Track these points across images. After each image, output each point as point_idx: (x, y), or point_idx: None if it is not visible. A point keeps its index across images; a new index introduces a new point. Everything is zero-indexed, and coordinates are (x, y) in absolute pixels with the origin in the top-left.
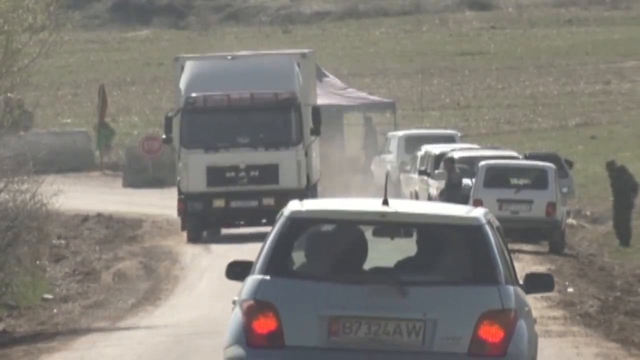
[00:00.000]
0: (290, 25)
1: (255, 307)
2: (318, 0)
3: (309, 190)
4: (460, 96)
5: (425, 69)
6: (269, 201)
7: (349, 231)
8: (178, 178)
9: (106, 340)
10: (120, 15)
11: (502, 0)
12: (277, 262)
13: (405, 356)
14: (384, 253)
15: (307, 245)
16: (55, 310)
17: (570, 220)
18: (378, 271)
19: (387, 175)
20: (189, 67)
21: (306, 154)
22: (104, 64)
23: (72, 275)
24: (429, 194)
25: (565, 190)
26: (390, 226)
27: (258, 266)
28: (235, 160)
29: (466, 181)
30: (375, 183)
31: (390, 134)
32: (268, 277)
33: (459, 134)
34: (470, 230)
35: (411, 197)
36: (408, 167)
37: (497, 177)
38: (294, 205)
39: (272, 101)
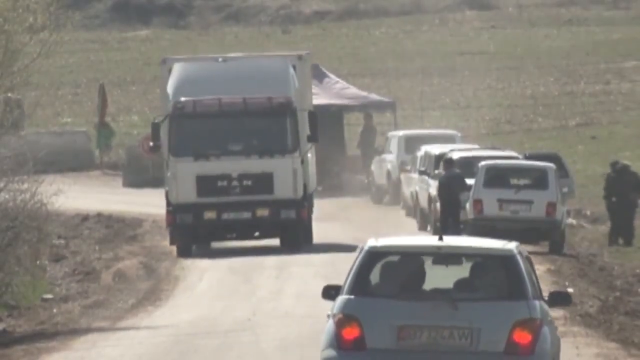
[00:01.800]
0: (290, 25)
1: (344, 319)
2: (318, 0)
3: (305, 200)
4: (460, 96)
5: (425, 69)
6: (263, 212)
7: (412, 260)
8: (166, 188)
9: (106, 340)
10: (120, 15)
11: (502, 0)
12: (359, 285)
13: (457, 355)
14: (440, 276)
15: (381, 271)
16: (55, 310)
17: (570, 220)
18: (435, 291)
19: (439, 225)
20: (177, 69)
21: (302, 162)
22: (104, 63)
23: (72, 275)
24: (429, 194)
25: (565, 190)
26: (445, 256)
27: (345, 288)
28: (227, 169)
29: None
30: (376, 183)
31: (390, 133)
32: (353, 297)
33: (459, 134)
34: (505, 259)
35: (411, 197)
36: (408, 167)
37: (497, 177)
38: (371, 242)
39: (266, 106)
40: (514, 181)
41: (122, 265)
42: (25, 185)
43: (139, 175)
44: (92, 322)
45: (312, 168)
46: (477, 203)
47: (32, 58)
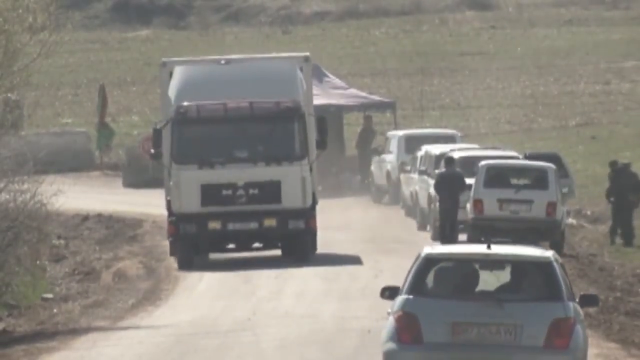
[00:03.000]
0: (290, 25)
1: (403, 316)
2: (318, 0)
3: (314, 210)
4: (460, 96)
5: (425, 69)
6: (270, 222)
7: (465, 266)
8: (168, 197)
9: (106, 340)
10: (120, 15)
11: (502, 0)
12: (417, 286)
13: (503, 349)
14: (486, 279)
15: (435, 274)
16: (55, 310)
17: (570, 220)
18: (483, 292)
19: (489, 237)
20: (179, 72)
21: (311, 170)
22: (104, 64)
23: (72, 275)
24: (428, 194)
25: (565, 190)
26: (491, 263)
27: (404, 289)
28: (232, 177)
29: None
30: (376, 183)
31: (390, 133)
32: (412, 297)
33: (459, 134)
34: (543, 265)
35: (411, 197)
36: (408, 167)
37: (497, 177)
38: (427, 250)
39: (274, 110)
40: (514, 181)
41: (122, 265)
42: (26, 186)
43: (139, 175)
44: (92, 321)
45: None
46: (477, 203)
47: (32, 58)
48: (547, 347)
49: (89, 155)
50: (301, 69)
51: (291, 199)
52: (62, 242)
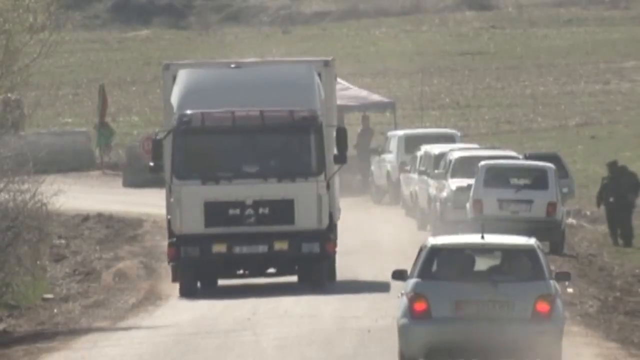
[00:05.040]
0: (291, 25)
1: (415, 296)
2: (318, 0)
3: (331, 232)
4: (460, 96)
5: (425, 69)
6: (281, 245)
7: (463, 253)
8: (168, 217)
9: (107, 340)
10: (120, 15)
11: (502, 0)
12: (424, 271)
13: (498, 321)
14: (481, 264)
15: (439, 261)
16: (55, 310)
17: (570, 220)
18: (480, 274)
19: (483, 227)
20: (183, 76)
21: (328, 187)
22: (104, 64)
23: (73, 275)
24: (428, 194)
25: (565, 190)
26: (486, 250)
27: (415, 274)
28: (240, 195)
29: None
30: (376, 183)
31: (390, 133)
32: (421, 280)
33: (459, 134)
34: (529, 251)
35: (411, 197)
36: (408, 167)
37: (497, 177)
38: (432, 240)
39: (288, 121)
40: (514, 181)
41: (123, 265)
42: (26, 186)
43: (139, 175)
44: (93, 322)
45: (337, 193)
46: (477, 203)
47: (32, 58)
48: (534, 318)
49: (89, 155)
50: (320, 75)
51: (305, 219)
52: (63, 242)
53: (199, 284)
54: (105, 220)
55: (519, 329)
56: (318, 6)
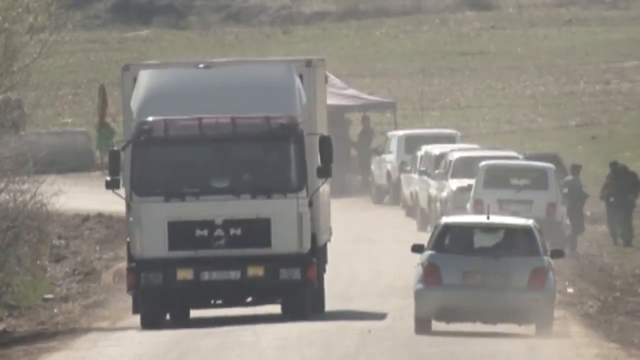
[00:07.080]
0: (291, 25)
1: (429, 266)
2: (318, 0)
3: (314, 256)
4: (461, 96)
5: (426, 69)
6: (256, 271)
7: (471, 231)
8: (128, 239)
9: (106, 340)
10: (120, 15)
11: (502, 0)
12: (438, 245)
13: (499, 289)
14: (486, 240)
15: (450, 236)
16: (55, 310)
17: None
18: (485, 249)
19: (488, 208)
20: (144, 78)
21: (311, 204)
22: (104, 63)
23: (73, 275)
24: (428, 194)
25: (565, 190)
26: (490, 228)
27: (430, 247)
28: (208, 213)
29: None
30: (376, 183)
31: (390, 133)
32: (435, 252)
33: (459, 134)
34: (526, 230)
35: (411, 197)
36: (408, 167)
37: (497, 177)
38: (445, 219)
39: (263, 129)
40: (514, 181)
41: (123, 265)
42: (26, 186)
43: None
44: (93, 322)
45: (325, 211)
46: (477, 203)
47: (32, 58)
48: (529, 287)
49: (89, 155)
50: (301, 77)
51: (284, 241)
52: (63, 242)
53: (168, 316)
54: (105, 220)
55: (516, 296)
56: (318, 6)
